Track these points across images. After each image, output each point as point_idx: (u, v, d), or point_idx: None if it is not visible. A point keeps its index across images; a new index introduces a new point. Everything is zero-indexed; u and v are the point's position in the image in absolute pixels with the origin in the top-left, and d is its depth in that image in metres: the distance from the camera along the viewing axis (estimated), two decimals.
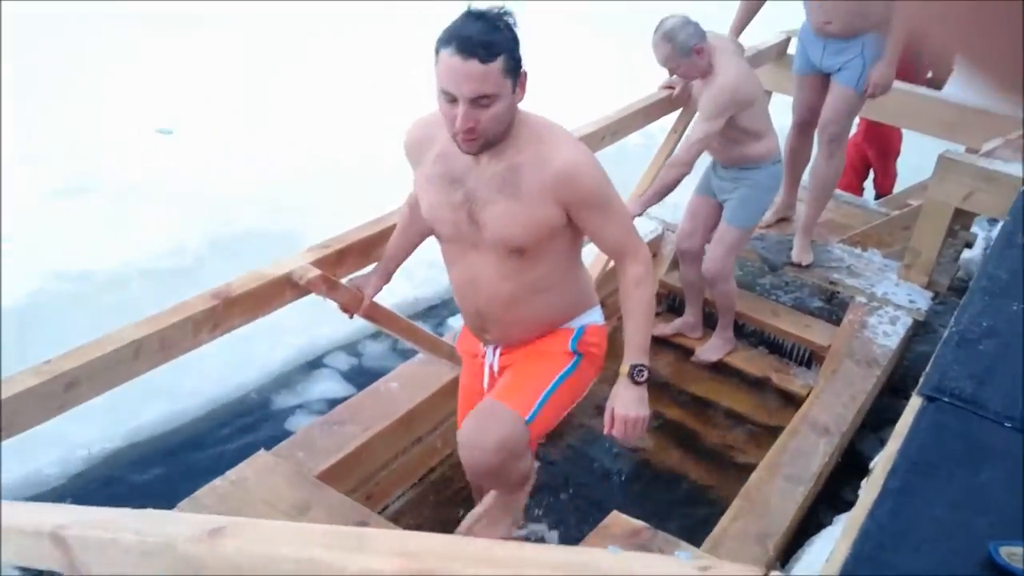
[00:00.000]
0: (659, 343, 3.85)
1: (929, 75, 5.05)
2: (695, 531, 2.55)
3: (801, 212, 4.05)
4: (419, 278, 4.13)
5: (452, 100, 1.81)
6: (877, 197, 5.30)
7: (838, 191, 4.40)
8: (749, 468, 2.90)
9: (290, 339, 3.72)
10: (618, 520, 2.18)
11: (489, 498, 2.35)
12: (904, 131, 5.12)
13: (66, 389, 1.72)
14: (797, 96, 3.93)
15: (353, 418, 2.79)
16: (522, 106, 1.96)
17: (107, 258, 3.76)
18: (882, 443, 2.24)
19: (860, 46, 3.55)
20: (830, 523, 2.67)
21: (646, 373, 2.05)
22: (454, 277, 2.19)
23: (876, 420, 3.32)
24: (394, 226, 2.40)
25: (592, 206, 1.99)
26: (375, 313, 2.51)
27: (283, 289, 2.15)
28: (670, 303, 4.05)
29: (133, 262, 3.79)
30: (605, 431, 2.06)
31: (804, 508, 2.74)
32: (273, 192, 4.50)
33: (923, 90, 4.57)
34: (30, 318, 3.31)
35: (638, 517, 2.19)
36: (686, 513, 2.99)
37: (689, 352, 3.79)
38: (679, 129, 3.64)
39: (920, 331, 3.75)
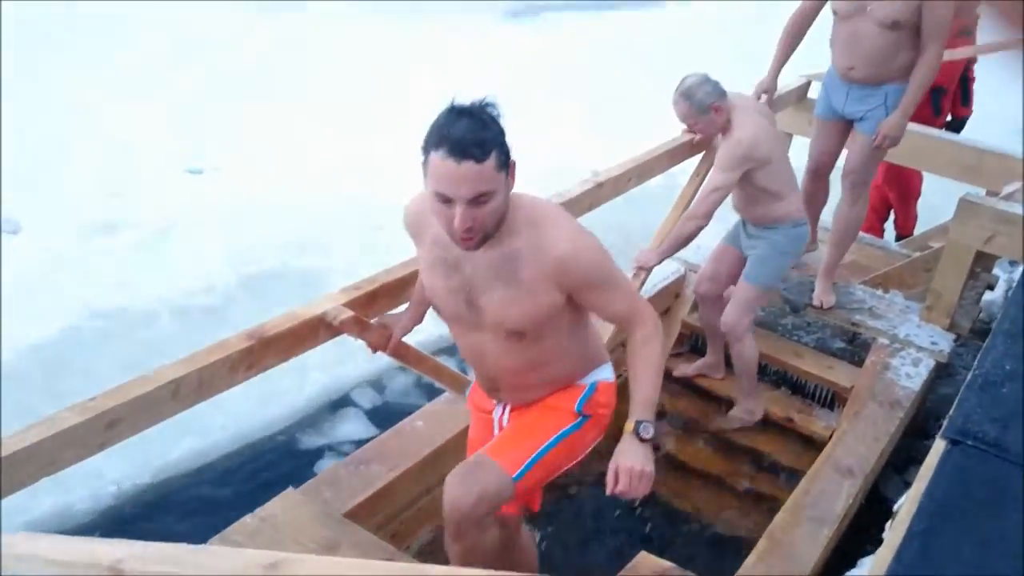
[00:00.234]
0: (682, 384, 3.88)
1: (948, 118, 5.10)
2: (721, 572, 2.56)
3: (823, 254, 4.08)
4: None
5: (447, 201, 1.79)
6: (898, 239, 5.32)
7: (860, 233, 4.43)
8: (773, 509, 2.90)
9: (316, 376, 3.77)
10: (646, 560, 2.20)
11: None
12: (924, 173, 5.15)
13: (108, 427, 1.78)
14: (815, 140, 3.95)
15: (379, 457, 2.82)
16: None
17: (139, 295, 3.85)
18: (906, 485, 2.26)
19: (883, 95, 3.57)
20: (855, 566, 2.67)
21: (652, 430, 1.98)
22: (461, 349, 2.19)
23: (900, 461, 3.32)
24: None
25: (594, 287, 1.97)
26: (402, 352, 2.55)
27: (316, 329, 2.20)
28: (693, 343, 4.08)
29: (164, 299, 3.87)
30: (608, 490, 1.97)
31: (828, 550, 2.74)
32: (300, 231, 4.59)
33: (942, 133, 4.61)
34: (63, 354, 3.39)
35: (664, 558, 2.21)
36: (712, 554, 3.00)
37: (712, 395, 3.81)
38: (701, 172, 3.69)
39: (943, 373, 3.75)
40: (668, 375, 3.92)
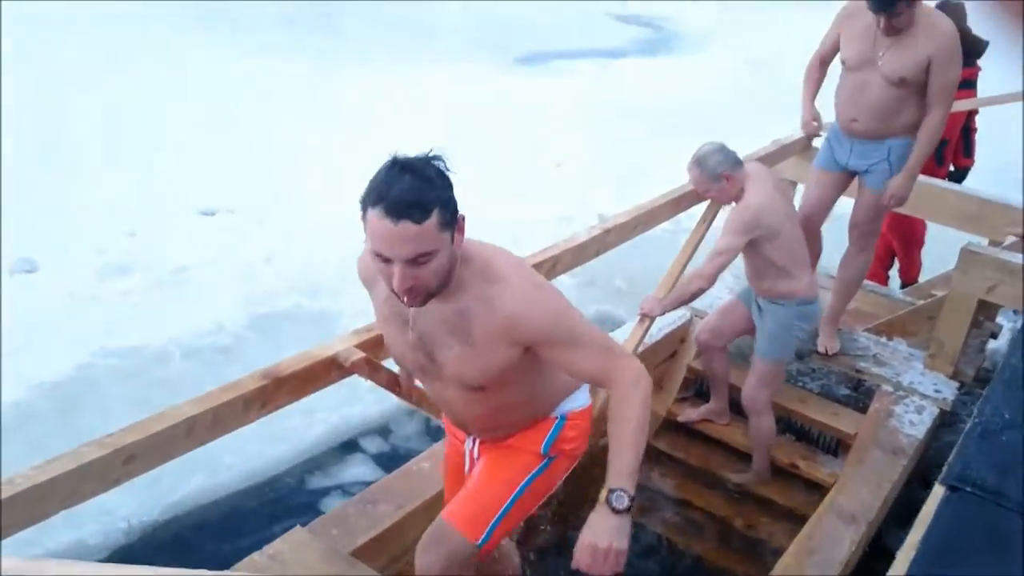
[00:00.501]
0: (688, 431, 3.90)
1: (951, 168, 5.18)
2: None
3: (827, 302, 4.12)
4: None
5: (386, 260, 1.70)
6: (902, 286, 5.36)
7: (864, 280, 4.48)
8: (777, 554, 2.92)
9: (324, 416, 3.82)
10: None
11: None
12: (927, 222, 5.21)
13: (125, 462, 1.82)
14: (811, 189, 3.96)
15: (386, 497, 2.85)
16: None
17: (153, 335, 3.91)
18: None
19: (887, 150, 3.61)
20: None
21: (626, 500, 1.77)
22: (429, 394, 2.19)
23: (904, 512, 3.33)
24: None
25: (554, 343, 1.84)
26: (414, 393, 2.60)
27: (329, 370, 2.25)
28: (698, 388, 4.11)
29: (177, 339, 3.94)
30: (573, 564, 1.80)
31: None
32: (312, 274, 4.66)
33: (944, 183, 4.68)
34: (78, 391, 3.45)
35: None
36: None
37: (717, 441, 3.83)
38: (707, 219, 3.75)
39: (946, 421, 3.77)
40: (674, 421, 3.96)
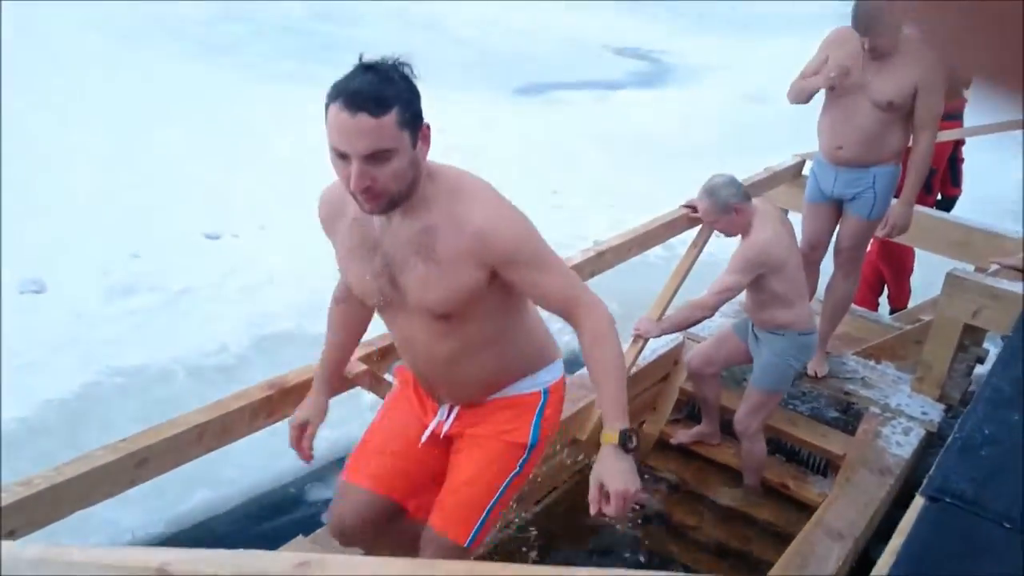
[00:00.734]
0: (681, 451, 3.98)
1: (939, 197, 5.29)
2: None
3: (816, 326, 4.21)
4: None
5: (344, 157, 1.69)
6: (892, 313, 5.46)
7: (853, 305, 4.58)
8: (767, 571, 2.99)
9: (325, 433, 3.86)
10: None
11: None
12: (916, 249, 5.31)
13: (137, 466, 1.91)
14: (807, 224, 4.04)
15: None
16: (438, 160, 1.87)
17: (157, 354, 4.00)
18: None
19: (871, 178, 3.68)
20: None
21: (634, 439, 1.82)
22: (394, 339, 2.10)
23: (890, 530, 3.38)
24: None
25: (521, 264, 1.82)
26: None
27: None
28: (690, 410, 4.19)
29: (181, 359, 4.02)
30: (593, 511, 1.81)
31: None
32: (314, 295, 4.74)
33: (932, 211, 4.80)
34: (84, 408, 3.53)
35: None
36: None
37: (709, 460, 3.91)
38: (699, 243, 3.86)
39: (933, 442, 3.85)
40: (666, 442, 4.04)
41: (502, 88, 10.24)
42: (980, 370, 4.41)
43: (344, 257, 1.98)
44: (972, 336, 4.12)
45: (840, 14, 3.55)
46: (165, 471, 1.98)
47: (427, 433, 2.13)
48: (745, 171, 4.24)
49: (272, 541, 2.70)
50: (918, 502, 2.16)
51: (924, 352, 3.96)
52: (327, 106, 1.70)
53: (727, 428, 3.92)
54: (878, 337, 4.47)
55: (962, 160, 5.32)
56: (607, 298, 5.78)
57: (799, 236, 4.15)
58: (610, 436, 1.82)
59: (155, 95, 7.92)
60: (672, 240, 4.36)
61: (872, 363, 4.21)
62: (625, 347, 3.61)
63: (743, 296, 3.50)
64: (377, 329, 2.60)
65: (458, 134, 7.56)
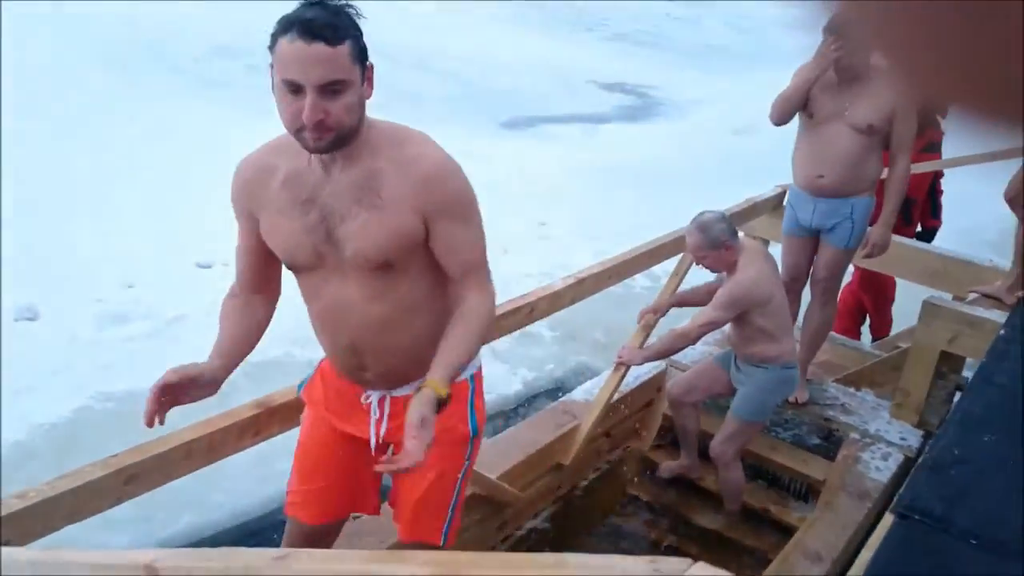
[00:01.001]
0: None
1: (919, 229, 5.40)
2: None
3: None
4: None
5: (296, 90, 1.65)
6: (874, 341, 5.54)
7: (833, 333, 4.66)
8: None
9: None
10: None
11: None
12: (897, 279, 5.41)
13: (126, 482, 1.96)
14: (786, 256, 4.09)
15: (376, 530, 2.96)
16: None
17: (148, 380, 4.01)
18: None
19: (849, 208, 3.74)
20: None
21: (446, 394, 1.76)
22: (318, 310, 1.98)
23: None
24: None
25: (453, 215, 1.83)
26: None
27: None
28: (674, 436, 4.24)
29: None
30: (379, 467, 1.74)
31: None
32: (303, 324, 4.80)
33: (912, 241, 4.91)
34: (75, 432, 3.57)
35: None
36: None
37: (694, 486, 3.96)
38: (680, 272, 3.95)
39: (911, 467, 3.91)
40: (650, 467, 4.09)
41: (490, 122, 10.39)
42: (960, 397, 4.49)
43: (273, 220, 1.88)
44: (950, 363, 4.20)
45: None
46: (153, 487, 2.03)
47: (373, 435, 2.04)
48: (731, 203, 4.35)
49: None
50: (888, 520, 2.23)
51: (902, 378, 4.03)
52: (275, 39, 1.66)
53: (707, 454, 3.98)
54: (858, 364, 4.54)
55: (941, 192, 5.44)
56: (592, 329, 5.91)
57: (781, 267, 4.24)
58: (435, 386, 1.76)
59: (149, 127, 8.03)
60: (656, 270, 4.47)
61: (852, 390, 4.28)
62: (607, 374, 3.71)
63: (727, 328, 3.56)
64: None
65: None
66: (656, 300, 3.76)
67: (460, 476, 2.12)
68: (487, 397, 4.62)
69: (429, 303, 1.94)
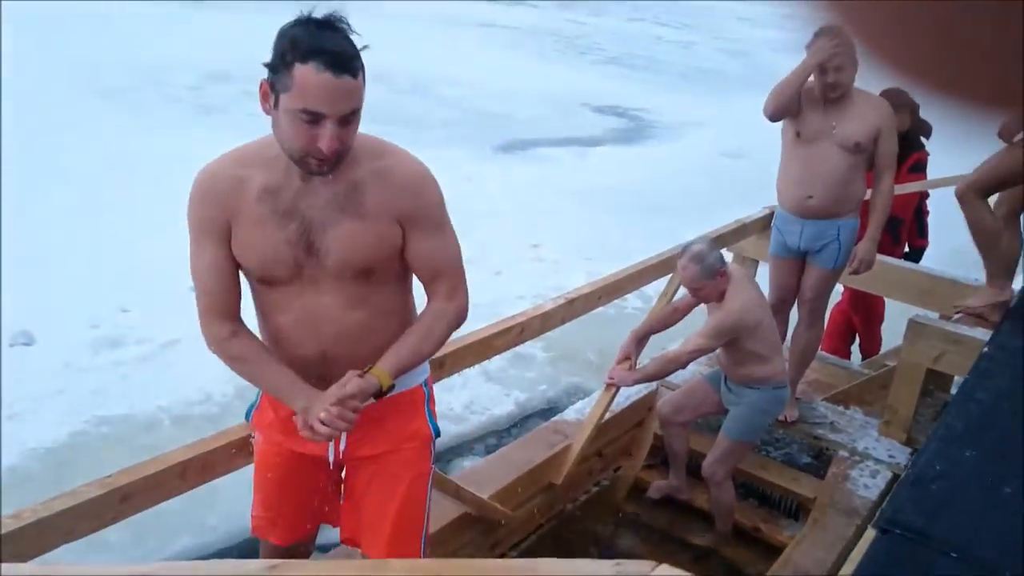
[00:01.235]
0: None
1: (907, 249, 5.46)
2: None
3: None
4: None
5: (314, 120, 1.65)
6: (863, 360, 5.58)
7: (822, 352, 4.71)
8: None
9: None
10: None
11: None
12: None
13: (121, 501, 1.99)
14: (774, 278, 4.14)
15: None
16: None
17: (143, 404, 4.08)
18: None
19: (836, 230, 3.80)
20: None
21: (382, 391, 1.85)
22: (287, 323, 1.90)
23: None
24: None
25: (427, 223, 1.88)
26: None
27: None
28: (665, 455, 4.28)
29: (166, 408, 4.11)
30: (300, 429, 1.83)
31: None
32: None
33: (899, 261, 4.96)
34: (71, 456, 3.60)
35: None
36: None
37: (682, 505, 3.99)
38: (669, 293, 4.00)
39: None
40: (641, 487, 4.12)
41: (484, 146, 10.48)
42: None
43: (248, 233, 1.83)
44: (937, 381, 4.25)
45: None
46: (148, 507, 2.06)
47: (332, 453, 2.02)
48: (721, 224, 4.41)
49: None
50: (870, 534, 2.27)
51: (890, 396, 4.08)
52: (289, 64, 1.64)
53: (698, 472, 4.01)
54: (846, 383, 4.59)
55: (928, 212, 5.50)
56: (585, 350, 5.95)
57: (766, 288, 4.28)
58: (381, 374, 1.85)
59: (145, 153, 8.10)
60: (647, 290, 4.52)
61: (841, 408, 4.33)
62: (598, 394, 3.75)
63: (718, 350, 3.60)
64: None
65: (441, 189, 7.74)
66: (625, 345, 3.73)
67: (428, 485, 2.13)
68: (479, 418, 4.70)
69: (401, 310, 1.99)
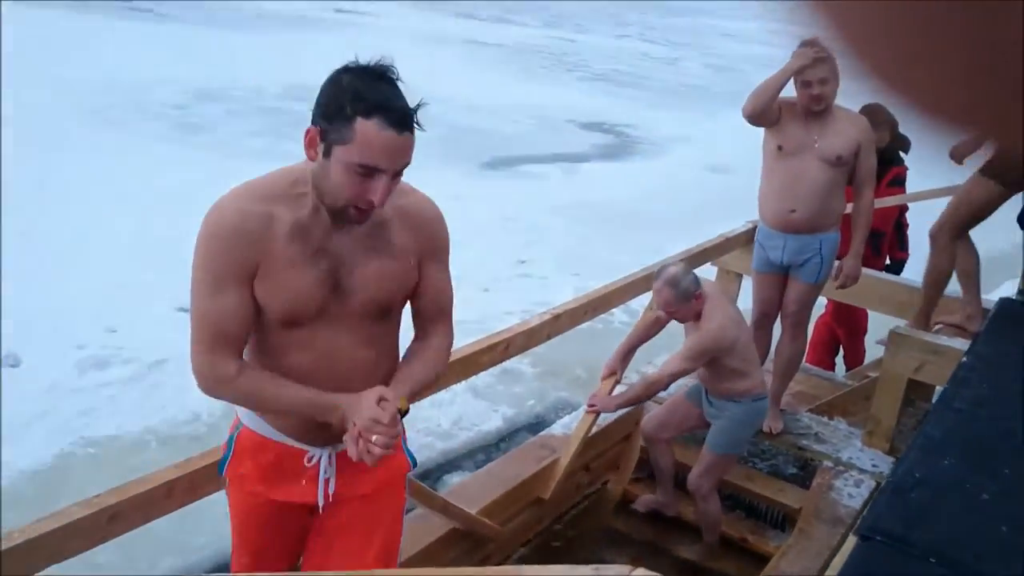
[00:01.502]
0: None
1: (888, 262, 5.53)
2: None
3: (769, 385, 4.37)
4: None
5: (371, 173, 1.65)
6: (847, 371, 5.63)
7: (806, 364, 4.76)
8: None
9: None
10: None
11: None
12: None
13: (109, 521, 2.01)
14: (757, 292, 4.19)
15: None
16: None
17: (129, 425, 4.09)
18: None
19: (819, 244, 3.86)
20: None
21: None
22: (301, 363, 1.84)
23: None
24: None
25: (440, 260, 1.94)
26: None
27: None
28: (651, 470, 4.31)
29: (153, 429, 4.12)
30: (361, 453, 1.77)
31: None
32: None
33: (880, 273, 5.03)
34: (58, 478, 3.60)
35: None
36: None
37: (669, 518, 4.01)
38: (654, 306, 4.03)
39: None
40: (628, 501, 4.14)
41: (471, 162, 10.54)
42: None
43: (280, 273, 1.76)
44: (918, 391, 4.30)
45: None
46: (136, 526, 2.07)
47: (321, 494, 1.94)
48: (707, 239, 4.46)
49: None
50: (851, 541, 2.30)
51: (873, 407, 4.12)
52: (349, 118, 1.63)
53: (685, 486, 4.04)
54: (830, 394, 4.64)
55: (907, 225, 5.57)
56: (573, 365, 5.97)
57: (750, 303, 4.33)
58: (404, 402, 1.84)
59: (130, 173, 8.12)
60: (633, 304, 4.56)
61: (825, 419, 4.37)
62: (585, 409, 3.78)
63: (700, 370, 3.62)
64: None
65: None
66: (610, 362, 3.78)
67: (402, 516, 2.11)
68: (467, 434, 4.72)
69: (396, 347, 1.99)
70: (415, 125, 1.67)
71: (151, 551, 3.40)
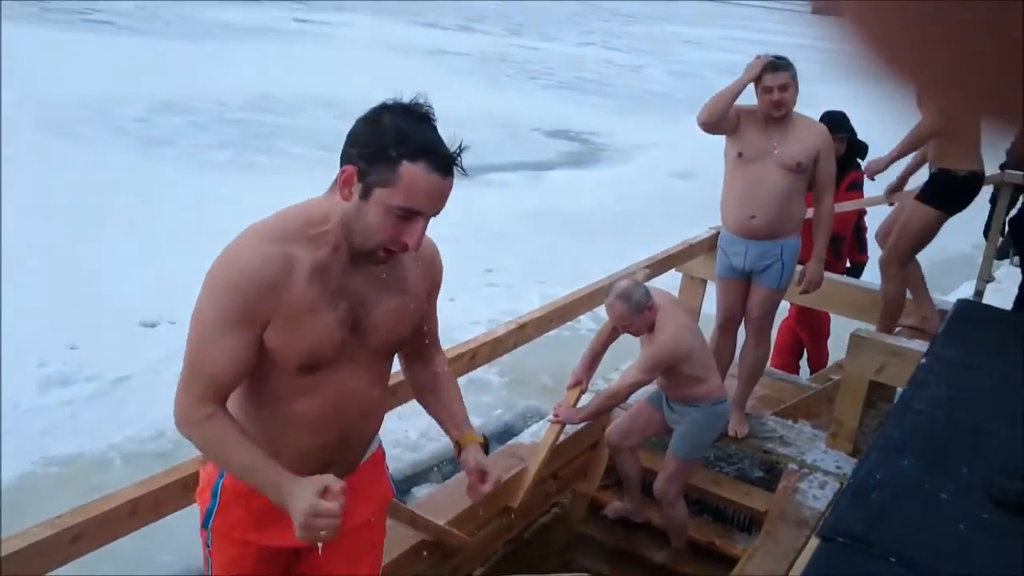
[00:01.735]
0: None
1: (848, 265, 5.61)
2: None
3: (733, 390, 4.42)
4: None
5: (411, 217, 1.63)
6: (811, 375, 5.70)
7: (771, 368, 4.82)
8: None
9: None
10: None
11: None
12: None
13: (72, 541, 1.99)
14: (720, 299, 4.23)
15: None
16: None
17: (93, 443, 4.04)
18: None
19: (779, 250, 3.91)
20: None
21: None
22: (313, 408, 1.79)
23: None
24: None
25: (437, 291, 1.98)
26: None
27: None
28: (618, 477, 4.33)
29: (117, 446, 4.07)
30: (481, 492, 1.96)
31: None
32: None
33: (842, 277, 5.11)
34: (20, 498, 3.55)
35: None
36: None
37: (638, 523, 4.04)
38: None
39: None
40: (597, 507, 4.17)
41: None
42: None
43: (302, 319, 1.70)
44: (880, 393, 4.37)
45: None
46: (100, 545, 2.05)
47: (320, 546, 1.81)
48: (672, 244, 4.50)
49: None
50: (813, 542, 2.34)
51: (835, 409, 4.19)
52: (396, 160, 1.59)
53: (651, 491, 4.07)
54: (794, 397, 4.69)
55: (866, 228, 5.67)
56: (540, 373, 5.99)
57: (714, 308, 4.37)
58: (476, 438, 1.99)
59: (92, 187, 8.03)
60: (600, 311, 4.56)
61: (790, 422, 4.42)
62: (550, 418, 3.80)
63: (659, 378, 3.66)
64: None
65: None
66: (576, 371, 3.80)
67: (383, 541, 2.14)
68: (435, 445, 4.71)
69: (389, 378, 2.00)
70: (460, 169, 1.66)
71: (116, 570, 3.35)
